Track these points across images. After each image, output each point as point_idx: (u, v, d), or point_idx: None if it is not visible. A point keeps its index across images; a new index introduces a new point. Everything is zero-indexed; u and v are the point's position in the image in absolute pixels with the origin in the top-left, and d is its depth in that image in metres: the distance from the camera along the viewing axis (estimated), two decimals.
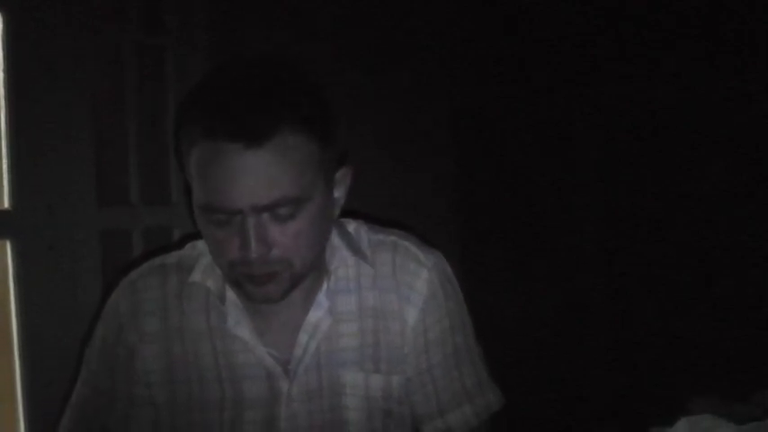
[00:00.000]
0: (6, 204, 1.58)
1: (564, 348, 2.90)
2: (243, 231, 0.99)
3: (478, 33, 2.91)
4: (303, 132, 0.99)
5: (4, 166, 1.59)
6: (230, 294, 1.13)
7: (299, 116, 0.99)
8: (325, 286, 1.14)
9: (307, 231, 1.02)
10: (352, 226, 1.22)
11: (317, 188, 1.03)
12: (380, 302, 1.17)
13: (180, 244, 1.23)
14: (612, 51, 2.80)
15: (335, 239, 1.17)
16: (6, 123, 1.58)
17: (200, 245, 1.19)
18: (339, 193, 1.12)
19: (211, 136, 0.97)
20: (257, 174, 0.97)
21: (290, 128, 0.98)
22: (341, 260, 1.16)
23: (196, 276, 1.14)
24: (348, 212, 1.20)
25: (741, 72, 2.52)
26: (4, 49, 1.57)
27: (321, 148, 1.02)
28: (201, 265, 1.15)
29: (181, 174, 1.91)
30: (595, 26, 2.80)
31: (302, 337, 1.14)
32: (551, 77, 2.88)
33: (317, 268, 1.13)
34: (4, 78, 1.57)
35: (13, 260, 1.58)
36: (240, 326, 1.12)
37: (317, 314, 1.14)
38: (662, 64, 2.69)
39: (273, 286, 1.03)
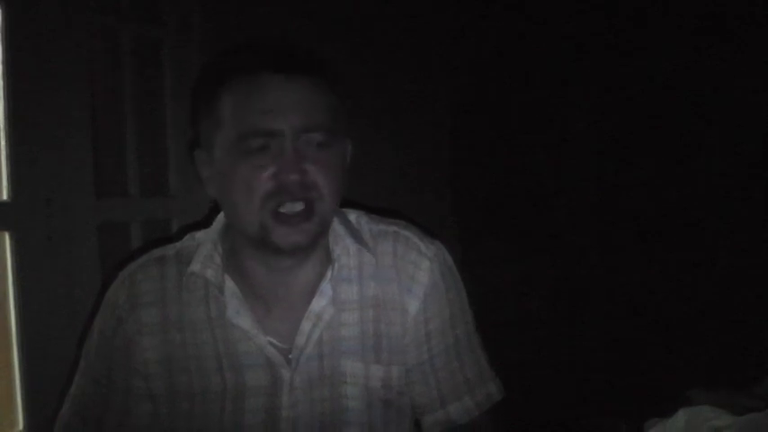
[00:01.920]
0: (5, 196, 1.58)
1: (562, 338, 2.90)
2: (282, 154, 1.04)
3: (476, 27, 2.91)
4: (327, 82, 1.11)
5: (3, 159, 1.58)
6: (229, 284, 1.13)
7: (321, 70, 1.11)
8: (329, 274, 1.14)
9: (336, 167, 1.09)
10: (352, 216, 1.22)
11: (341, 132, 1.12)
12: (381, 292, 1.17)
13: (178, 235, 1.23)
14: (607, 36, 2.79)
15: (338, 227, 1.17)
16: (5, 116, 1.57)
17: (199, 235, 1.19)
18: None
19: (255, 71, 1.07)
20: (298, 98, 1.07)
21: (317, 74, 1.10)
22: (343, 248, 1.16)
23: (195, 267, 1.14)
24: (348, 203, 1.20)
25: (741, 48, 2.49)
26: (2, 42, 1.56)
27: (340, 103, 1.12)
28: (200, 255, 1.15)
29: (179, 165, 1.93)
30: (591, 11, 2.79)
31: (305, 326, 1.13)
32: (546, 65, 2.87)
33: (323, 245, 1.15)
34: (3, 71, 1.57)
35: (12, 252, 1.58)
36: (240, 315, 1.12)
37: (321, 303, 1.14)
38: (658, 41, 2.67)
39: (307, 225, 1.06)
